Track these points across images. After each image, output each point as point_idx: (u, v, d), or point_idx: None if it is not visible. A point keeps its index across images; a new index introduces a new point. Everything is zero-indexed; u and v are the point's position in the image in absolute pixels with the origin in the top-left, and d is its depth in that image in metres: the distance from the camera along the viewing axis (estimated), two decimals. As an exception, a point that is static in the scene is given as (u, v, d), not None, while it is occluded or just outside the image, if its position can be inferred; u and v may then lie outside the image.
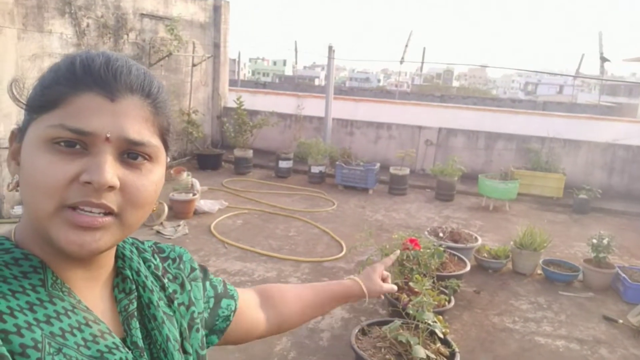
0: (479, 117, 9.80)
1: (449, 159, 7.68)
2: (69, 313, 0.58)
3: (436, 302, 3.28)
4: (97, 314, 0.62)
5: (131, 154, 0.59)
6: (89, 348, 0.57)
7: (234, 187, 7.39)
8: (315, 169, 8.01)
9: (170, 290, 0.75)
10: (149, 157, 0.61)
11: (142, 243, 0.79)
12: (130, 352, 0.63)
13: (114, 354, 0.59)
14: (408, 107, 10.97)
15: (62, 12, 5.97)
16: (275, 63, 79.82)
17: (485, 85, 73.15)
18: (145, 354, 0.66)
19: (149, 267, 0.75)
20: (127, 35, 7.11)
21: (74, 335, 0.57)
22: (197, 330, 0.77)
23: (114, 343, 0.61)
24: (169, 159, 0.69)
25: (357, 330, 3.08)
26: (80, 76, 0.57)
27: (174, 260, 0.81)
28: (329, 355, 3.26)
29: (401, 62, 13.86)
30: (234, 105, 8.70)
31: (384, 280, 1.21)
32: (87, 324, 0.59)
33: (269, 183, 7.85)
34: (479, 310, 4.06)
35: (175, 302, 0.74)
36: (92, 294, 0.65)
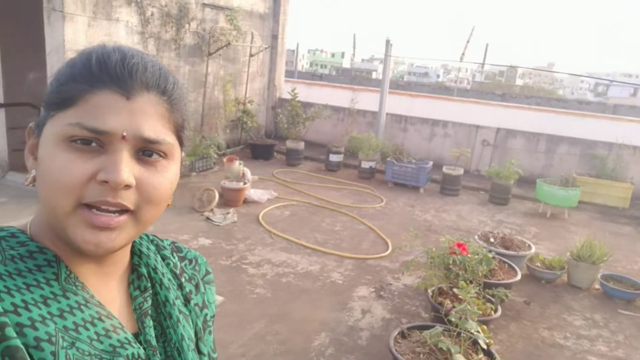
0: (541, 119, 9.33)
1: (506, 161, 7.37)
2: (82, 307, 0.58)
3: (481, 311, 3.15)
4: (112, 310, 0.63)
5: (146, 151, 0.59)
6: (101, 342, 0.58)
7: (284, 178, 7.45)
8: (365, 164, 7.93)
9: (187, 289, 0.75)
10: (164, 155, 0.61)
11: (162, 240, 0.79)
12: (142, 348, 0.63)
13: (126, 349, 0.60)
14: (466, 104, 10.61)
15: (129, 1, 6.20)
16: (333, 55, 79.78)
17: (551, 85, 69.73)
18: (158, 352, 0.66)
19: (168, 264, 0.75)
20: (189, 24, 7.29)
21: (87, 329, 0.57)
22: (210, 333, 0.77)
23: (126, 338, 0.61)
24: (184, 154, 0.68)
25: (396, 333, 3.02)
26: (96, 73, 0.57)
27: (190, 261, 0.81)
28: (366, 355, 3.22)
29: (461, 59, 13.42)
30: (289, 97, 8.75)
31: None
32: (99, 319, 0.59)
33: (319, 176, 7.86)
34: (528, 322, 3.87)
35: (192, 302, 0.75)
36: (106, 289, 0.65)
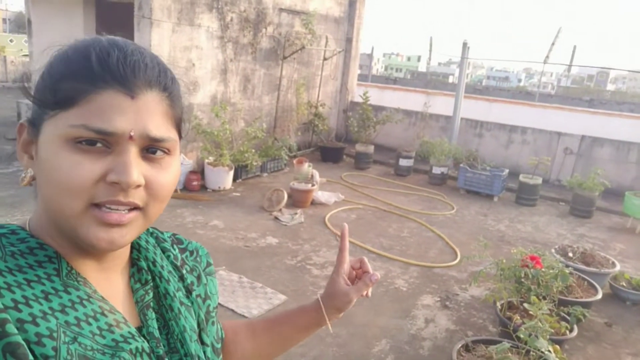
0: (634, 126, 8.61)
1: (591, 171, 6.88)
2: (84, 302, 0.58)
3: (553, 330, 2.96)
4: (115, 304, 0.63)
5: (151, 148, 0.59)
6: (104, 337, 0.58)
7: (352, 181, 7.45)
8: (436, 170, 7.73)
9: (189, 281, 0.75)
10: (168, 151, 0.61)
11: (162, 233, 0.79)
12: (146, 341, 0.63)
13: (130, 343, 0.60)
14: (548, 110, 10.01)
15: (210, 7, 6.50)
16: (409, 59, 78.64)
17: (647, 90, 64.07)
18: (161, 344, 0.66)
19: (168, 257, 0.75)
20: (266, 28, 7.51)
21: (89, 324, 0.57)
22: (213, 324, 0.77)
23: (129, 332, 0.61)
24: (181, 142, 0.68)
25: (460, 345, 2.91)
26: (98, 72, 0.55)
27: (191, 252, 0.81)
28: (427, 366, 3.13)
29: (545, 62, 12.67)
30: (361, 100, 8.74)
31: (354, 277, 0.93)
32: (102, 313, 0.59)
33: (387, 180, 7.77)
34: (608, 345, 3.58)
35: (194, 293, 0.75)
36: (108, 284, 0.65)
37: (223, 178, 6.33)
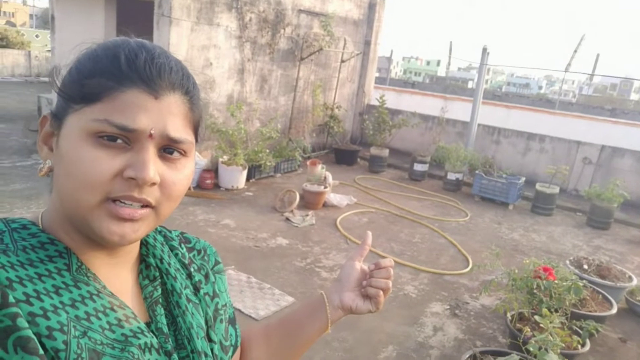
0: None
1: (610, 181, 6.73)
2: (94, 297, 0.59)
3: (564, 344, 2.89)
4: (124, 299, 0.64)
5: (168, 149, 0.61)
6: (113, 332, 0.59)
7: (365, 184, 7.41)
8: (451, 176, 7.65)
9: (196, 279, 0.76)
10: (184, 153, 0.63)
11: (170, 232, 0.80)
12: (155, 337, 0.64)
13: (139, 338, 0.61)
14: (568, 118, 9.83)
15: (230, 7, 6.53)
16: (428, 63, 78.16)
17: (673, 101, 62.68)
18: (170, 339, 0.67)
19: (176, 255, 0.76)
20: (284, 29, 7.52)
21: (99, 319, 0.58)
22: (221, 322, 0.78)
23: (138, 328, 0.62)
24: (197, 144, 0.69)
25: (468, 355, 2.87)
26: (125, 72, 0.58)
27: (199, 251, 0.82)
28: (434, 375, 3.09)
29: (566, 70, 12.44)
30: (377, 104, 8.70)
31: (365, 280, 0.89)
32: (112, 309, 0.60)
33: (401, 185, 7.71)
34: (622, 362, 3.49)
35: (201, 291, 0.76)
36: (118, 280, 0.66)
37: (236, 177, 6.35)
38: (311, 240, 5.01)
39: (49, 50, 18.49)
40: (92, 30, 7.06)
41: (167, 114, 0.59)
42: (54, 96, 0.62)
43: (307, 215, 5.64)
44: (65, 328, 0.54)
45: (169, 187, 0.61)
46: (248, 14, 6.82)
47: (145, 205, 0.60)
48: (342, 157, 8.70)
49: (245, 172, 6.44)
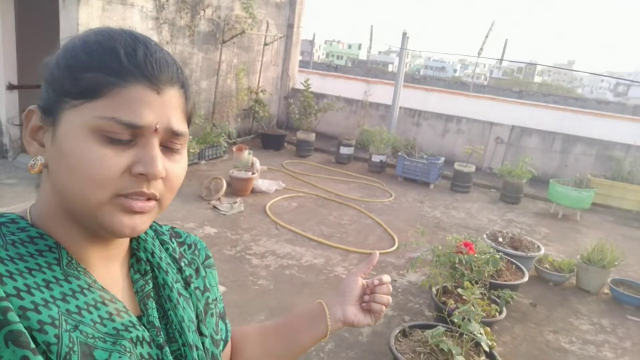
0: (558, 117, 9.16)
1: (520, 159, 7.26)
2: (85, 291, 0.59)
3: (485, 313, 3.10)
4: (115, 293, 0.64)
5: (168, 142, 0.62)
6: (105, 325, 0.59)
7: (293, 169, 7.42)
8: (376, 158, 7.86)
9: (187, 273, 0.76)
10: (181, 145, 0.64)
11: (160, 226, 0.80)
12: (146, 330, 0.64)
13: (130, 332, 0.61)
14: (482, 101, 10.45)
15: (144, -14, 6.17)
16: (350, 46, 79.26)
17: (570, 83, 68.59)
18: (161, 333, 0.67)
19: (166, 249, 0.76)
20: (204, 11, 7.24)
21: (90, 312, 0.58)
22: (212, 316, 0.78)
23: (130, 321, 0.62)
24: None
25: (397, 331, 2.98)
26: (126, 67, 0.57)
27: (189, 246, 0.82)
28: (366, 352, 3.19)
29: (479, 54, 13.17)
30: (302, 87, 8.69)
31: (367, 292, 0.94)
32: (103, 302, 0.60)
33: (328, 168, 7.81)
34: (533, 325, 3.81)
35: (192, 286, 0.76)
36: (109, 273, 0.66)
37: (159, 166, 6.09)
38: (240, 227, 4.94)
39: None
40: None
41: (169, 108, 0.60)
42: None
43: (235, 202, 5.55)
44: (56, 322, 0.54)
45: (172, 179, 0.62)
46: (165, -6, 6.48)
47: (151, 198, 0.60)
48: (269, 142, 8.64)
49: (168, 160, 6.19)
